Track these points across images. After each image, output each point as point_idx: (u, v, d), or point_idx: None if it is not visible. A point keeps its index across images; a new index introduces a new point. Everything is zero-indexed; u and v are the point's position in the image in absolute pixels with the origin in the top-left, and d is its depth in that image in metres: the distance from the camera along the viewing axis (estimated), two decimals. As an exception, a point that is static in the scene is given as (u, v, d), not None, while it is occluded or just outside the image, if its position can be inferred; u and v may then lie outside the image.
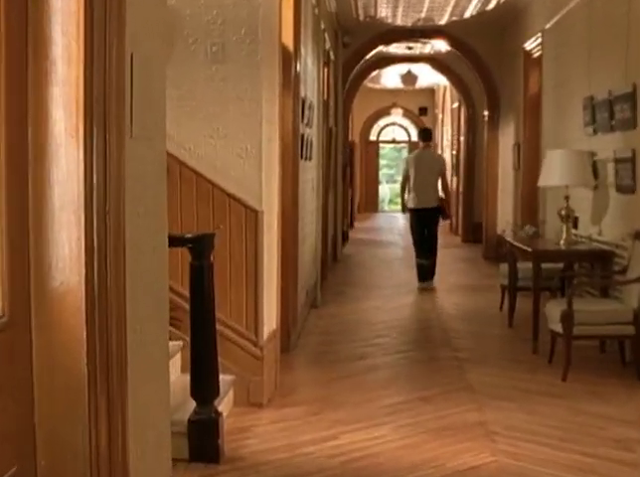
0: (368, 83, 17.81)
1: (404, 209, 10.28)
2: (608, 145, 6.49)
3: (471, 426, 4.51)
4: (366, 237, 16.93)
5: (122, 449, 1.95)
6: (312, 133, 8.05)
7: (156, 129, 2.21)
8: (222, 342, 4.28)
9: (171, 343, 3.69)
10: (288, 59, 6.01)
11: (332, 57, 11.15)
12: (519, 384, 5.43)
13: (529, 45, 9.92)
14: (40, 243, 1.77)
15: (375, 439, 4.31)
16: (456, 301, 9.00)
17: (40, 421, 1.81)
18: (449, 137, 19.10)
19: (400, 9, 11.04)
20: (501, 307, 7.91)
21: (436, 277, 10.08)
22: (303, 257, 7.33)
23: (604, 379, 5.50)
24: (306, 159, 7.46)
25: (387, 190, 26.92)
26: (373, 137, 25.39)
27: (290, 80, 6.11)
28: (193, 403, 3.96)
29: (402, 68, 16.73)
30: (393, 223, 20.54)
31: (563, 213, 6.68)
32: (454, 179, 16.87)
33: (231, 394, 4.69)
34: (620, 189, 6.22)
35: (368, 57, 13.38)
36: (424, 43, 13.41)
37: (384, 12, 11.31)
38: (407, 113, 24.19)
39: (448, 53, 13.59)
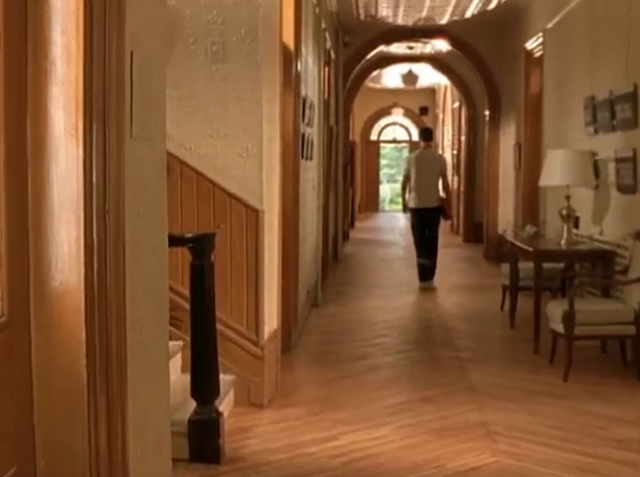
0: (368, 83, 17.79)
1: (405, 208, 10.29)
2: (609, 145, 6.48)
3: (472, 427, 4.50)
4: (366, 236, 16.92)
5: (122, 450, 1.94)
6: (313, 133, 8.04)
7: (156, 129, 2.20)
8: (222, 342, 4.28)
9: (171, 343, 3.69)
10: (289, 58, 6.00)
11: (333, 56, 11.14)
12: (520, 384, 5.42)
13: (530, 44, 9.90)
14: (39, 243, 1.76)
15: (376, 440, 4.30)
16: (457, 301, 8.99)
17: (39, 422, 1.80)
18: (450, 137, 19.09)
19: (401, 8, 11.03)
20: (502, 307, 7.90)
21: (437, 277, 10.07)
22: (304, 257, 7.32)
23: (606, 379, 5.49)
24: (307, 159, 7.45)
25: (387, 190, 26.91)
26: (373, 137, 25.38)
27: (291, 80, 6.10)
28: (193, 404, 3.95)
29: (403, 67, 16.72)
30: (393, 222, 20.53)
31: (565, 212, 6.67)
32: (455, 179, 16.86)
33: (231, 394, 4.68)
34: (621, 189, 6.21)
35: (369, 56, 13.38)
36: (425, 42, 13.40)
37: (384, 11, 11.30)
38: (408, 113, 24.18)
39: (449, 52, 13.58)
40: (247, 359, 4.75)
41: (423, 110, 23.65)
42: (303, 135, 6.98)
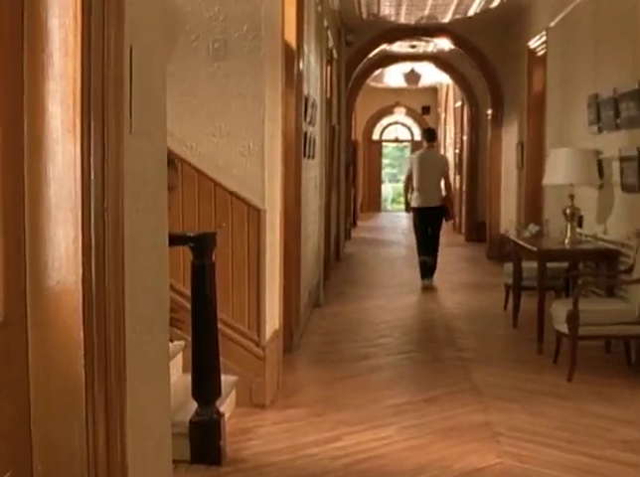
0: (371, 82, 17.77)
1: (408, 208, 10.30)
2: (613, 143, 6.45)
3: (476, 428, 4.46)
4: (368, 236, 16.90)
5: (121, 451, 1.91)
6: (315, 131, 8.01)
7: (156, 124, 2.16)
8: (224, 342, 4.24)
9: (172, 343, 3.65)
10: (291, 56, 5.96)
11: (335, 55, 11.11)
12: (524, 384, 5.39)
13: (533, 43, 9.87)
14: (36, 241, 1.72)
15: (379, 441, 4.26)
16: (460, 301, 8.96)
17: (36, 423, 1.77)
18: (452, 136, 19.06)
19: (404, 7, 11.00)
20: (505, 307, 7.87)
21: (440, 276, 10.07)
22: (306, 257, 7.29)
23: (610, 379, 5.45)
24: (309, 157, 7.42)
25: (389, 189, 26.88)
26: (375, 136, 25.36)
27: (293, 78, 6.07)
28: (194, 404, 3.92)
29: (406, 66, 16.70)
30: (395, 222, 20.51)
31: (568, 211, 6.64)
32: (457, 178, 16.84)
33: (233, 394, 4.65)
34: (625, 188, 6.17)
35: (371, 55, 13.36)
36: (428, 41, 13.38)
37: (387, 10, 11.27)
38: (410, 112, 24.16)
39: (451, 51, 13.54)
40: (249, 359, 4.72)
41: (426, 109, 23.62)
42: (305, 134, 6.95)
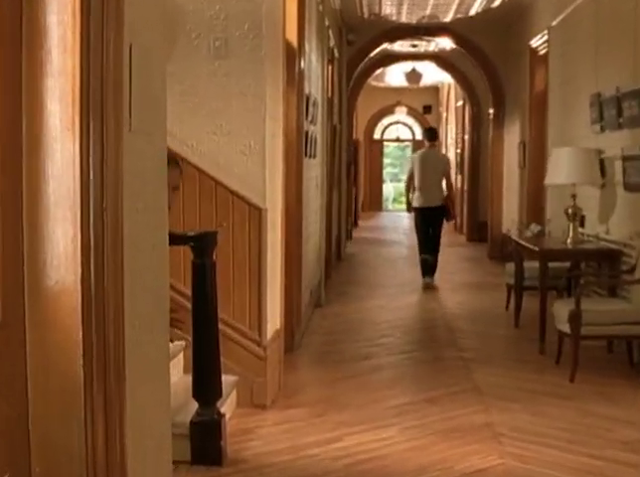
0: (372, 82, 17.75)
1: (409, 208, 10.29)
2: (616, 143, 6.42)
3: (478, 428, 4.45)
4: (370, 235, 16.88)
5: (120, 452, 1.89)
6: (316, 131, 8.00)
7: (156, 123, 2.14)
8: (224, 342, 4.22)
9: (173, 343, 3.64)
10: (292, 55, 5.95)
11: (336, 54, 11.09)
12: (525, 384, 5.37)
13: (535, 42, 9.85)
14: (34, 241, 1.70)
15: (380, 441, 4.25)
16: (461, 300, 8.94)
17: (34, 424, 1.75)
18: (454, 136, 19.04)
19: (405, 6, 10.98)
20: (507, 307, 7.85)
21: (441, 276, 10.06)
22: (307, 256, 7.27)
23: (612, 379, 5.43)
24: (310, 157, 7.40)
25: (390, 189, 26.87)
26: (377, 136, 25.34)
27: (294, 77, 6.05)
28: (195, 405, 3.90)
29: (407, 66, 16.68)
30: (396, 222, 20.50)
31: (570, 211, 6.62)
32: (459, 178, 16.82)
33: (233, 395, 4.63)
34: (628, 187, 6.15)
35: (372, 54, 13.33)
36: (429, 40, 13.36)
37: (388, 9, 11.25)
38: (412, 112, 24.13)
39: (453, 50, 13.52)
40: (250, 359, 4.70)
41: (427, 109, 23.59)
42: (307, 133, 6.93)
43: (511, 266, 7.53)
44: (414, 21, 11.98)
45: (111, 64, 1.77)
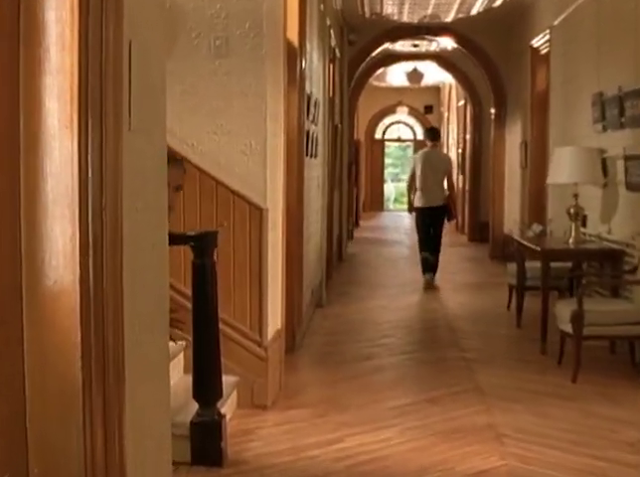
0: (373, 82, 17.74)
1: (411, 209, 10.26)
2: (618, 142, 6.40)
3: (480, 429, 4.43)
4: (371, 235, 16.87)
5: (120, 453, 1.88)
6: (317, 130, 7.98)
7: (156, 122, 2.13)
8: (225, 342, 4.21)
9: (173, 343, 3.62)
10: (293, 54, 5.93)
11: (337, 54, 11.08)
12: (528, 385, 5.36)
13: (536, 42, 9.83)
14: (32, 240, 1.68)
15: (381, 442, 4.23)
16: (463, 301, 8.93)
17: (32, 425, 1.73)
18: (455, 135, 19.03)
19: (407, 6, 10.97)
20: (509, 307, 7.83)
21: (443, 276, 10.04)
22: (308, 256, 7.26)
23: (615, 380, 5.41)
24: (311, 156, 7.38)
25: (392, 189, 26.86)
26: (378, 135, 25.33)
27: (295, 76, 6.03)
28: (195, 405, 3.88)
29: (408, 65, 16.68)
30: (398, 222, 20.49)
31: (572, 211, 6.60)
32: (460, 177, 16.80)
33: (234, 395, 4.61)
34: (630, 187, 6.13)
35: (373, 54, 13.32)
36: (430, 40, 13.34)
37: (390, 9, 11.24)
38: (413, 111, 24.12)
39: (454, 50, 13.51)
40: (251, 360, 4.68)
41: (428, 109, 23.57)
42: (308, 133, 6.92)
43: (513, 266, 7.52)
44: (416, 21, 11.97)
45: (110, 61, 1.75)
